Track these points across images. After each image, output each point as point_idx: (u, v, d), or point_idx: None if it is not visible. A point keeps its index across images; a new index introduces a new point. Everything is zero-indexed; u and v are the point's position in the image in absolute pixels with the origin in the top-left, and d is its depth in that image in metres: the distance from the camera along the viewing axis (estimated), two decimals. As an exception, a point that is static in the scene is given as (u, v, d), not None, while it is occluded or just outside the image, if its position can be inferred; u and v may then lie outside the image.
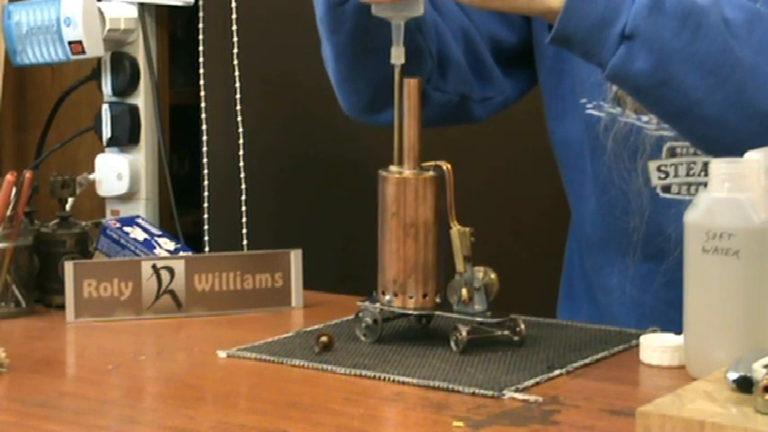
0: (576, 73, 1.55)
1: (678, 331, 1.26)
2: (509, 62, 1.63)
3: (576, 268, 1.66)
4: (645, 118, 1.50)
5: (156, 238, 1.70)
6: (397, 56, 1.38)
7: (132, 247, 1.67)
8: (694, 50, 1.31)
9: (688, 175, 1.49)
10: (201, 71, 2.15)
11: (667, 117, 1.39)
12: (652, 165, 1.50)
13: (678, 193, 1.49)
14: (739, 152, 1.23)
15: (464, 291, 1.34)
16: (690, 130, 1.38)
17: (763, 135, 1.32)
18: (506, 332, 1.35)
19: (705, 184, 1.45)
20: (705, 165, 1.48)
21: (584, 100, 1.54)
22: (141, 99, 2.16)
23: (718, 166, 1.20)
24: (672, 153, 1.49)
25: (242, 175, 2.13)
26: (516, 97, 1.67)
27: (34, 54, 2.10)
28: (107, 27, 2.09)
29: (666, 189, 1.50)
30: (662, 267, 1.51)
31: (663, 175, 1.50)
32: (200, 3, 2.15)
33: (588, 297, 1.62)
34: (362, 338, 1.38)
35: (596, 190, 1.56)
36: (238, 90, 2.14)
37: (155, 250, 1.67)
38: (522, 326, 1.35)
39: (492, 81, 1.62)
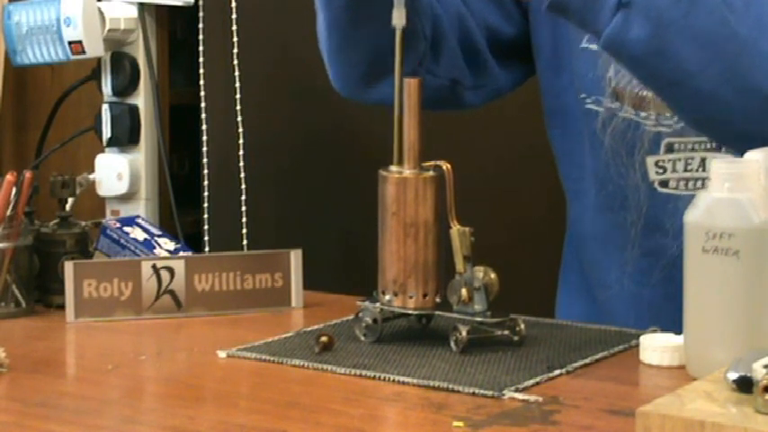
0: (575, 68, 1.55)
1: (677, 326, 1.26)
2: (504, 53, 1.62)
3: (574, 264, 1.65)
4: (643, 114, 1.50)
5: (156, 238, 1.70)
6: (399, 17, 1.36)
7: (132, 247, 1.67)
8: (691, 22, 1.30)
9: (686, 170, 1.49)
10: (201, 71, 2.15)
11: (660, 89, 1.38)
12: (650, 160, 1.51)
13: (676, 188, 1.50)
14: (731, 129, 1.23)
15: (464, 291, 1.34)
16: (682, 103, 1.37)
17: (755, 112, 1.32)
18: (506, 332, 1.35)
19: (703, 180, 1.46)
20: (703, 160, 1.48)
21: (583, 95, 1.54)
22: (141, 99, 2.16)
23: (719, 166, 1.20)
24: (670, 149, 1.50)
25: (242, 175, 2.13)
26: (509, 88, 1.66)
27: (34, 54, 2.10)
28: (107, 27, 2.09)
29: (664, 184, 1.50)
30: (661, 263, 1.51)
31: (661, 171, 1.50)
32: (200, 3, 2.15)
33: (586, 293, 1.62)
34: (362, 338, 1.38)
35: (594, 185, 1.56)
36: (238, 90, 2.13)
37: (155, 250, 1.67)
38: (522, 326, 1.35)
39: (485, 69, 1.61)
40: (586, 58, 1.53)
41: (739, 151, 1.40)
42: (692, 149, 1.48)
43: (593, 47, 1.52)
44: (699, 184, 1.47)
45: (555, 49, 1.57)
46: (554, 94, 1.60)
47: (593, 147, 1.54)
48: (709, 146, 1.48)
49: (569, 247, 1.68)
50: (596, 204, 1.56)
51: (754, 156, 1.22)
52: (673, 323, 1.29)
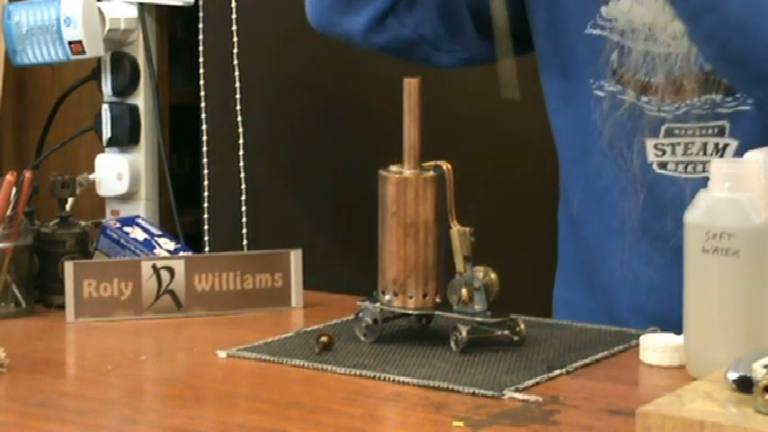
0: (578, 54, 1.55)
1: (680, 311, 1.24)
2: (490, 29, 1.63)
3: (573, 251, 1.64)
4: (645, 98, 1.50)
5: (156, 238, 1.70)
6: None
7: (132, 247, 1.67)
8: None
9: (685, 154, 1.49)
10: (201, 71, 2.15)
11: (695, 17, 1.38)
12: (649, 143, 1.51)
13: (675, 171, 1.49)
14: (750, 69, 1.26)
15: (464, 291, 1.34)
16: (711, 31, 1.37)
17: None
18: (506, 332, 1.35)
19: (703, 164, 1.46)
20: (704, 145, 1.48)
21: (590, 80, 1.54)
22: (141, 99, 2.16)
23: (719, 166, 1.20)
24: (670, 133, 1.50)
25: (242, 175, 2.13)
26: (488, 60, 1.66)
27: (34, 54, 2.10)
28: (107, 27, 2.09)
29: (663, 166, 1.50)
30: (663, 246, 1.50)
31: (660, 153, 1.50)
32: (200, 3, 2.15)
33: (586, 279, 1.61)
34: (362, 338, 1.38)
35: (595, 169, 1.55)
36: (238, 90, 2.13)
37: (155, 250, 1.67)
38: (522, 326, 1.35)
39: (462, 37, 1.62)
40: (591, 43, 1.53)
41: (753, 95, 1.41)
42: (693, 135, 1.48)
43: (597, 32, 1.52)
44: (699, 167, 1.48)
45: (554, 34, 1.57)
46: (555, 78, 1.59)
47: (594, 131, 1.54)
48: (710, 131, 1.48)
49: (567, 234, 1.66)
50: (597, 188, 1.56)
51: (754, 156, 1.22)
52: (677, 302, 1.27)
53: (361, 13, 1.60)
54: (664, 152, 1.50)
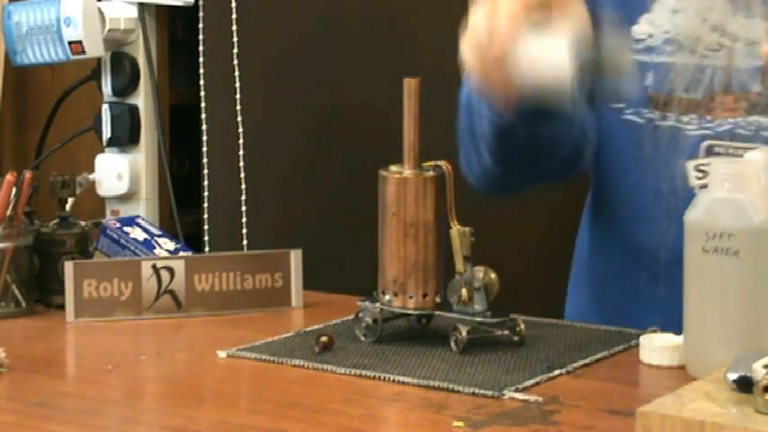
0: (608, 81, 1.53)
1: None
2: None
3: (595, 273, 1.62)
4: (685, 119, 1.47)
5: (156, 238, 1.70)
6: None
7: (132, 247, 1.67)
8: None
9: None
10: (201, 71, 2.15)
11: None
12: (691, 165, 1.48)
13: None
14: None
15: (464, 291, 1.34)
16: None
17: None
18: (506, 332, 1.35)
19: None
20: None
21: (620, 105, 1.51)
22: (141, 99, 2.16)
23: (719, 166, 1.20)
24: (710, 151, 1.47)
25: (242, 175, 2.13)
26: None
27: (34, 54, 2.10)
28: (107, 27, 2.09)
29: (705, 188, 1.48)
30: None
31: (701, 175, 1.47)
32: (201, 3, 2.15)
33: (598, 300, 1.60)
34: (362, 338, 1.38)
35: (633, 192, 1.52)
36: (238, 90, 2.14)
37: (155, 250, 1.67)
38: (522, 326, 1.35)
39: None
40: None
41: None
42: (734, 154, 1.45)
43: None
44: None
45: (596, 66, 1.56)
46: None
47: (631, 157, 1.51)
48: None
49: (583, 252, 1.64)
50: (635, 212, 1.53)
51: (754, 156, 1.23)
52: None
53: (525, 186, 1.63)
54: (705, 173, 1.46)
